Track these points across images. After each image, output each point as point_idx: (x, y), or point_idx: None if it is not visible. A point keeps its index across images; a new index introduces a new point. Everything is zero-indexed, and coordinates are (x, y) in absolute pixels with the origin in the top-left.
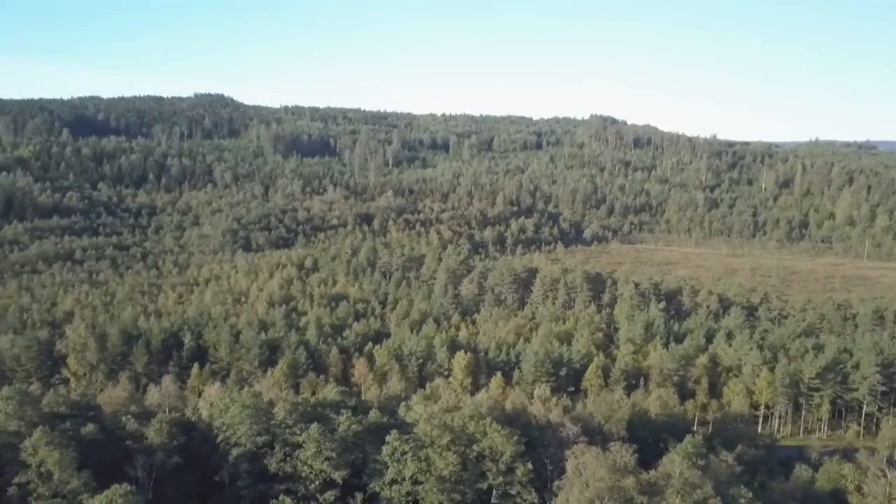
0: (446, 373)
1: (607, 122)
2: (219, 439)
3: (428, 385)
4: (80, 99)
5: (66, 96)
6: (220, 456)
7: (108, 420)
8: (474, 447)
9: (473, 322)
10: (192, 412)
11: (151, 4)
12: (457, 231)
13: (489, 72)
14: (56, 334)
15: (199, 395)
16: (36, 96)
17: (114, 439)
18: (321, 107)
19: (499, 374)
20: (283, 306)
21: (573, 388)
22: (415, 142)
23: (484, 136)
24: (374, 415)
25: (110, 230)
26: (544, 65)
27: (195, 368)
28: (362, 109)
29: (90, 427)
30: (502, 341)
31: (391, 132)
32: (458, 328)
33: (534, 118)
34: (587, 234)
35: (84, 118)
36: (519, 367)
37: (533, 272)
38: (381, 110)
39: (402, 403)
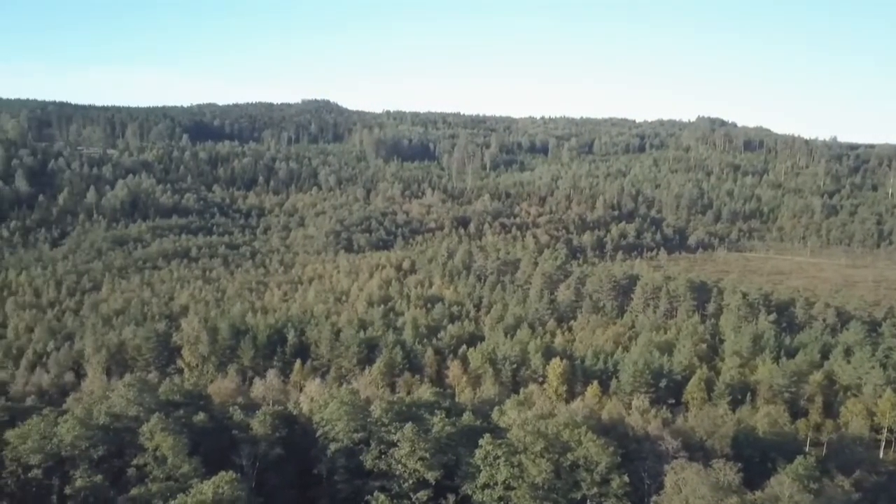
0: (541, 379)
1: (715, 124)
2: (318, 434)
3: (522, 390)
4: (199, 106)
5: (185, 104)
6: (319, 450)
7: (217, 410)
8: (568, 456)
9: (569, 328)
10: (293, 406)
11: (264, 19)
12: (554, 235)
13: (590, 74)
14: (172, 327)
15: (301, 389)
16: (160, 104)
17: (222, 428)
18: (421, 112)
19: (595, 382)
20: (382, 306)
21: (673, 401)
22: (513, 145)
23: (584, 138)
24: (467, 417)
25: (223, 230)
26: (648, 66)
27: (297, 364)
28: (461, 114)
29: (201, 416)
30: (599, 349)
31: (489, 136)
32: (553, 334)
33: (636, 120)
34: (692, 240)
35: (201, 124)
36: (616, 377)
37: (633, 279)
38: (480, 114)
39: (496, 408)
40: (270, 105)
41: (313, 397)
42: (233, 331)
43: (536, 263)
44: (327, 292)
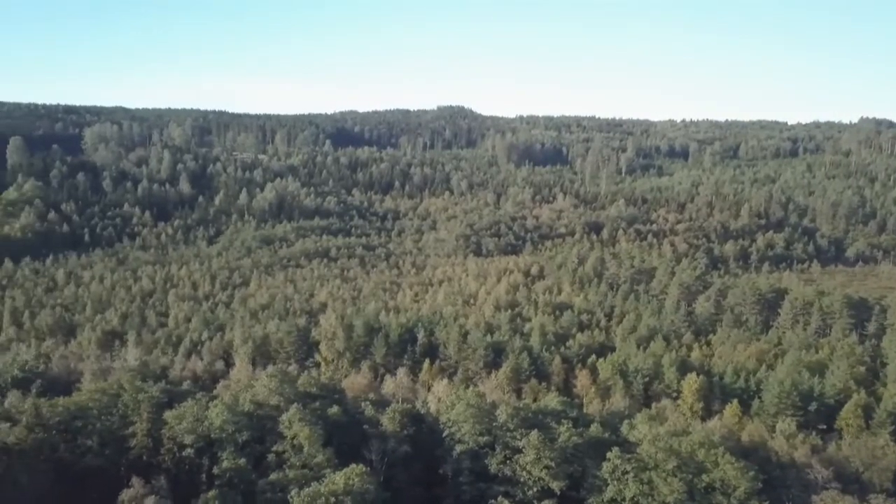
0: (675, 394)
1: (881, 126)
2: (444, 434)
3: (654, 405)
4: (341, 113)
5: (329, 111)
6: (445, 450)
7: (350, 404)
8: (703, 477)
9: (708, 343)
10: (421, 405)
11: (404, 30)
12: (693, 244)
13: (735, 74)
14: (312, 322)
15: (429, 389)
16: (306, 112)
17: (354, 422)
18: (555, 115)
19: (735, 401)
20: (509, 311)
21: (824, 427)
22: (650, 149)
23: (729, 142)
24: (595, 429)
25: (360, 232)
26: (800, 64)
27: (426, 363)
28: (596, 117)
29: (335, 409)
30: (741, 366)
31: (626, 139)
32: (689, 348)
33: (788, 122)
34: (850, 252)
35: (343, 131)
36: (759, 397)
37: (781, 293)
38: (616, 117)
39: (626, 421)
40: (407, 111)
41: (441, 397)
42: (367, 328)
43: (673, 273)
44: (456, 295)
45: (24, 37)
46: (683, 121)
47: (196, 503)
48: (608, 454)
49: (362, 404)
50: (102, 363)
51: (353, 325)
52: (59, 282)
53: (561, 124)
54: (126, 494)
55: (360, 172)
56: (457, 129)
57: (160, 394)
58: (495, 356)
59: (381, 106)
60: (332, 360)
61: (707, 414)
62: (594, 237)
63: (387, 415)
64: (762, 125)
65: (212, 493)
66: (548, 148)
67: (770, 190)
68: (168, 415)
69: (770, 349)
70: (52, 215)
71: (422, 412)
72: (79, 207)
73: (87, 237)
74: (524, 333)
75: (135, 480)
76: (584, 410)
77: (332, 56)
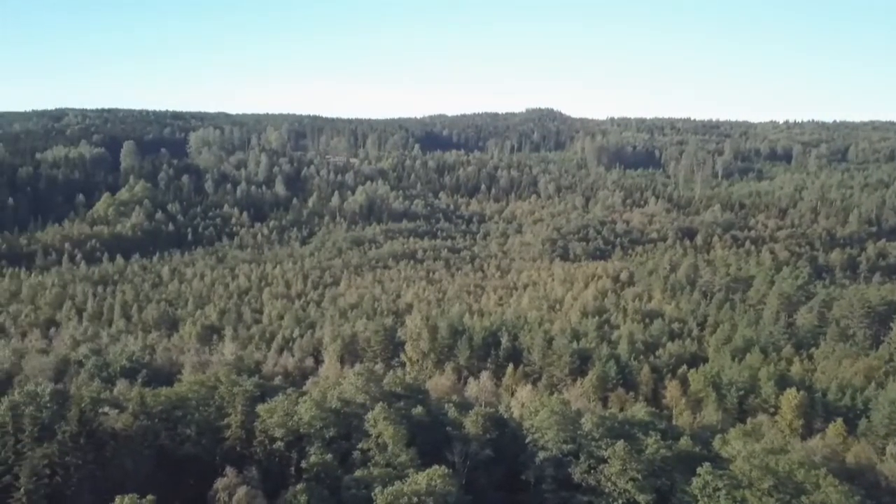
0: (772, 410)
1: None
2: (527, 440)
3: (749, 420)
4: (430, 117)
5: (418, 115)
6: (528, 456)
7: (433, 405)
8: (802, 499)
9: (810, 357)
10: (504, 410)
11: (493, 34)
12: (795, 252)
13: (846, 71)
14: (398, 323)
15: (512, 394)
16: (396, 116)
17: (437, 424)
18: (648, 117)
19: (839, 420)
20: (596, 317)
21: None
22: (749, 152)
23: (837, 144)
24: (685, 442)
25: (446, 234)
26: None
27: (510, 368)
28: (692, 119)
29: (419, 409)
30: (846, 383)
31: (723, 142)
32: (789, 362)
33: None
34: None
35: (432, 134)
36: (867, 416)
37: (894, 306)
38: (713, 119)
39: (718, 436)
40: (495, 114)
41: (524, 403)
42: (451, 330)
43: (773, 282)
44: (541, 299)
45: (138, 49)
46: (786, 122)
47: (285, 495)
48: (699, 469)
49: (446, 406)
50: (201, 356)
51: (438, 327)
52: (164, 278)
53: (654, 126)
54: (220, 483)
55: (448, 175)
56: (545, 131)
57: (254, 388)
58: (581, 363)
59: (470, 109)
60: (417, 361)
61: (808, 432)
62: (687, 243)
63: (470, 417)
64: (875, 126)
65: (300, 486)
66: (639, 150)
67: (883, 195)
68: (260, 408)
69: (880, 366)
70: (159, 215)
71: (505, 417)
72: (183, 208)
73: (189, 236)
74: (612, 341)
75: (229, 470)
76: (674, 422)
77: (422, 60)
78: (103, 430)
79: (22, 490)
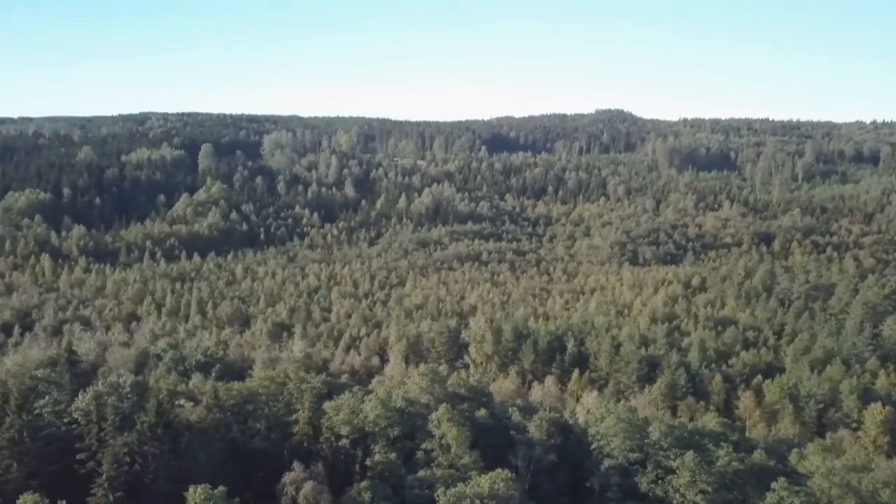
0: (854, 425)
1: None
2: (592, 447)
3: (829, 435)
4: (497, 119)
5: (485, 117)
6: (593, 463)
7: (497, 408)
8: None
9: None
10: (569, 415)
11: (561, 33)
12: (882, 259)
13: None
14: (462, 324)
15: (577, 399)
16: (463, 118)
17: (500, 427)
18: (723, 118)
19: None
20: (666, 324)
21: None
22: (832, 154)
23: None
24: (758, 455)
25: (511, 237)
26: None
27: (575, 373)
28: (770, 119)
29: (483, 412)
30: None
31: (803, 143)
32: (874, 375)
33: None
34: None
35: (499, 136)
36: None
37: None
38: (793, 119)
39: (794, 450)
40: (564, 116)
41: (590, 409)
42: (515, 333)
43: (857, 290)
44: (609, 304)
45: (216, 55)
46: (874, 122)
47: (350, 492)
48: (773, 484)
49: (509, 409)
50: (272, 353)
51: (502, 330)
52: (237, 276)
53: (729, 127)
54: (288, 477)
55: (514, 177)
56: (615, 132)
57: (321, 385)
58: (649, 370)
59: (538, 111)
60: (481, 363)
61: (894, 449)
62: (764, 248)
63: (534, 422)
64: None
65: (364, 483)
66: (714, 152)
67: None
68: (327, 405)
69: None
70: (234, 215)
71: (570, 422)
72: (256, 208)
73: (262, 236)
74: (682, 348)
75: (296, 465)
76: (747, 435)
77: (490, 62)
78: (179, 421)
79: (104, 476)
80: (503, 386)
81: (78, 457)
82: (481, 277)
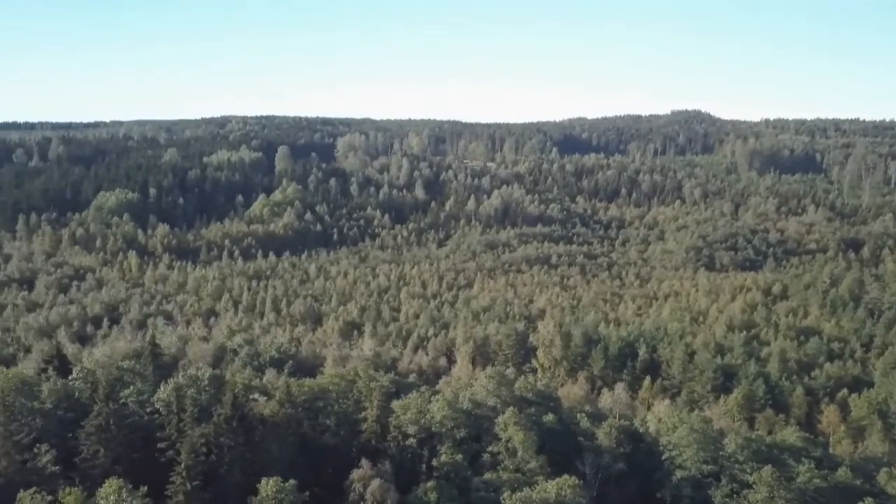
0: None
1: None
2: (664, 457)
3: None
4: (569, 120)
5: (557, 118)
6: (664, 474)
7: (565, 414)
8: None
9: None
10: (640, 423)
11: (636, 33)
12: None
13: None
14: (530, 328)
15: (648, 407)
16: (534, 120)
17: (568, 433)
18: (808, 118)
19: None
20: (744, 333)
21: None
22: None
23: None
24: (843, 473)
25: (582, 240)
26: None
27: (647, 381)
28: (860, 119)
29: (550, 417)
30: None
31: None
32: None
33: None
34: None
35: (570, 137)
36: None
37: None
38: (886, 120)
39: (884, 470)
40: (638, 117)
41: (661, 418)
42: (585, 338)
43: None
44: (683, 311)
45: (293, 59)
46: None
47: (416, 491)
48: None
49: (578, 415)
50: (342, 350)
51: (572, 334)
52: (310, 275)
53: (815, 128)
54: (356, 474)
55: (586, 179)
56: (692, 134)
57: (389, 384)
58: (725, 380)
59: (611, 112)
60: (549, 368)
61: None
62: (852, 255)
63: (603, 429)
64: None
65: (430, 483)
66: (798, 154)
67: None
68: (395, 404)
69: None
70: (308, 215)
71: (640, 431)
72: (330, 209)
73: (335, 236)
74: (760, 358)
75: (364, 462)
76: (831, 451)
77: (560, 63)
78: (253, 415)
79: (182, 465)
80: (571, 391)
81: (158, 445)
82: (550, 281)
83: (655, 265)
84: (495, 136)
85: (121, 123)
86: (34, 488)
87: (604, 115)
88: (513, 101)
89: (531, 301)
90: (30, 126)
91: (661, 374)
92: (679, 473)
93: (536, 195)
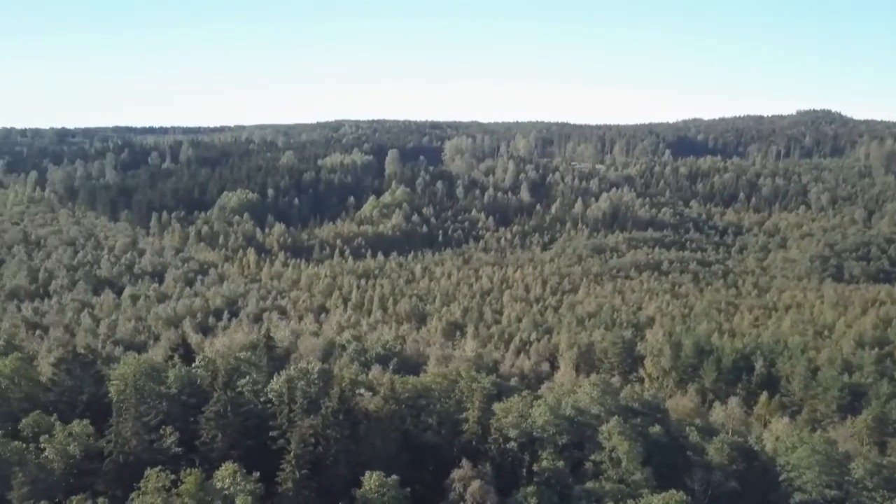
0: None
1: None
2: (781, 478)
3: None
4: (684, 122)
5: (671, 120)
6: (780, 496)
7: (673, 426)
8: None
9: None
10: (755, 441)
11: (753, 29)
12: None
13: None
14: (638, 336)
15: (765, 425)
16: (646, 121)
17: (676, 446)
18: None
19: None
20: (876, 349)
21: None
22: None
23: None
24: None
25: (696, 246)
26: None
27: (763, 396)
28: None
29: (657, 428)
30: None
31: None
32: None
33: None
34: None
35: (685, 139)
36: None
37: None
38: None
39: None
40: (760, 118)
41: (779, 436)
42: (696, 349)
43: None
44: (806, 324)
45: (404, 64)
46: None
47: (516, 495)
48: None
49: (687, 428)
50: (445, 350)
51: (682, 344)
52: (416, 275)
53: None
54: (457, 474)
55: (700, 183)
56: (819, 135)
57: (491, 386)
58: (853, 400)
59: (729, 113)
60: (657, 378)
61: None
62: None
63: (714, 444)
64: None
65: (531, 488)
66: None
67: None
68: (496, 407)
69: None
70: (415, 217)
71: (755, 448)
72: (436, 211)
73: (440, 237)
74: (894, 378)
75: (465, 462)
76: None
77: (674, 63)
78: (358, 409)
79: (292, 454)
80: (680, 403)
81: (270, 434)
82: (661, 288)
83: (775, 274)
84: (605, 137)
85: (244, 128)
86: (159, 467)
87: (721, 115)
88: (624, 102)
89: (639, 308)
90: (163, 131)
91: (779, 390)
92: (798, 496)
93: (647, 199)
